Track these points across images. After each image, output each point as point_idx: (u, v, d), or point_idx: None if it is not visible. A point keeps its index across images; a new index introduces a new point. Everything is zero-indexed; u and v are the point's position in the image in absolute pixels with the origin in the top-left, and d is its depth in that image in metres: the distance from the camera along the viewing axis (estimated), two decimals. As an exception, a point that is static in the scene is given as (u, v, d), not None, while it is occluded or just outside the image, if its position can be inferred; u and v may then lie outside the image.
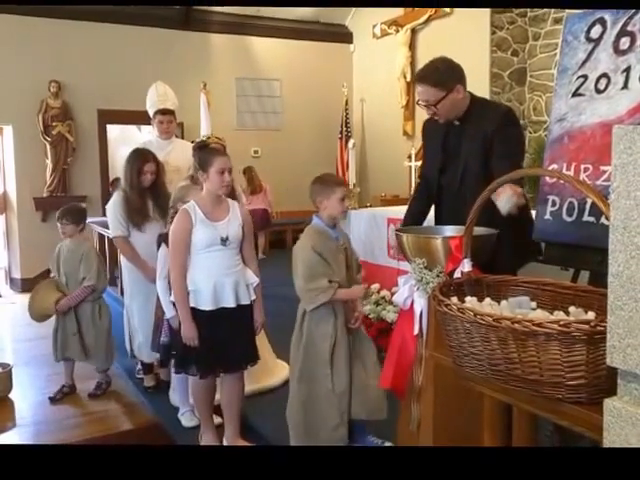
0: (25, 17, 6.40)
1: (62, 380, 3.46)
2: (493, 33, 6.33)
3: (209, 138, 3.21)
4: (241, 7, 7.46)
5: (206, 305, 2.40)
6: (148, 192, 3.24)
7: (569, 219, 1.85)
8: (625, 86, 1.64)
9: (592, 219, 1.78)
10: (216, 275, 2.40)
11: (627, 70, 1.63)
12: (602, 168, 1.74)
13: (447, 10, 6.59)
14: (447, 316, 1.39)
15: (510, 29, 6.42)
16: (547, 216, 1.94)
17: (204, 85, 5.41)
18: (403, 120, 7.46)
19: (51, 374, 3.61)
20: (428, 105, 2.21)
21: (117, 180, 7.89)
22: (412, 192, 4.04)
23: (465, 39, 6.26)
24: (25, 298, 6.28)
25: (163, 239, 2.72)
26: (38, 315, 3.42)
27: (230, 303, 2.42)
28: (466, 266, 1.60)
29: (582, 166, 1.80)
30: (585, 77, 1.81)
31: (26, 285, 6.68)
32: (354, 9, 8.13)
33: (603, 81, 1.74)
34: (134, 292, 3.35)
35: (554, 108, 1.93)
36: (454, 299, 1.52)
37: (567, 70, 1.88)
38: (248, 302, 2.49)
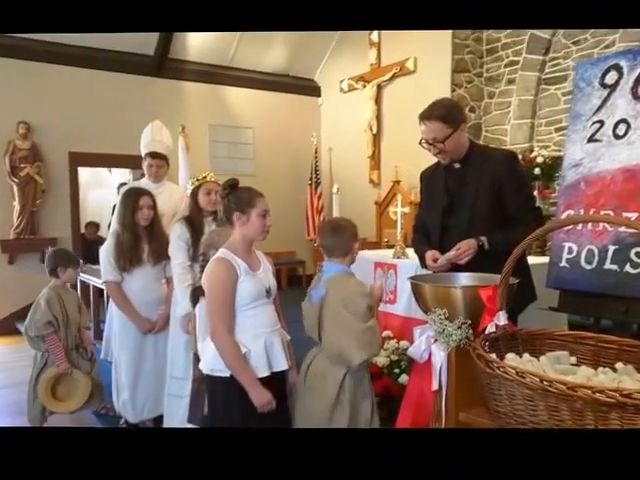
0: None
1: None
2: (453, 91, 6.43)
3: (205, 177, 2.91)
4: (213, 57, 7.33)
5: (259, 371, 1.92)
6: (144, 232, 2.87)
7: (588, 267, 1.68)
8: (649, 131, 1.52)
9: (615, 267, 1.62)
10: (265, 334, 1.96)
11: (651, 115, 1.51)
12: (625, 214, 1.59)
13: (411, 68, 6.65)
14: (498, 379, 1.16)
15: (468, 88, 6.56)
16: (563, 263, 1.77)
17: (182, 128, 5.12)
18: (369, 169, 7.43)
19: (25, 423, 3.06)
20: (435, 142, 2.05)
21: (90, 224, 7.45)
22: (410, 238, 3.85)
23: (428, 95, 6.17)
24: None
25: (201, 293, 2.20)
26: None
27: (283, 365, 1.97)
28: (502, 319, 1.39)
29: (602, 212, 1.65)
30: (601, 123, 1.69)
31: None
32: (322, 65, 8.16)
33: (622, 126, 1.62)
34: (123, 343, 2.92)
35: (567, 154, 1.80)
36: (493, 356, 1.30)
37: (580, 116, 1.76)
38: (291, 362, 2.06)
